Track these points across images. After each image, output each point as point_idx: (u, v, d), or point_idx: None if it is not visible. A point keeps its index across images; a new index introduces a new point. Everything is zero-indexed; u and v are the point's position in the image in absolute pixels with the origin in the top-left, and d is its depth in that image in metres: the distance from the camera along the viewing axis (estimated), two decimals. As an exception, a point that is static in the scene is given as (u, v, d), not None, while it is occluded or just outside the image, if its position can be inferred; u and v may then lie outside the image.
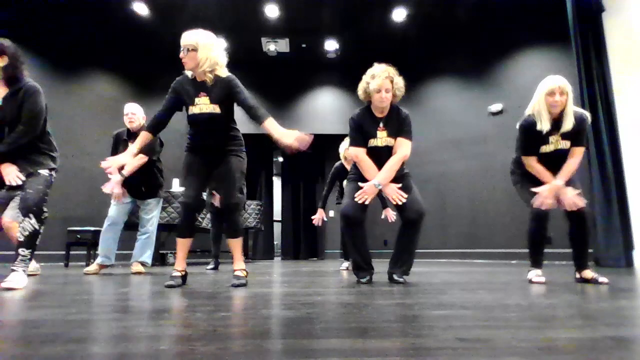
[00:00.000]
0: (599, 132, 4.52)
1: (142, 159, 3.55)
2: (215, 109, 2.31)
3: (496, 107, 6.34)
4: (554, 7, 5.45)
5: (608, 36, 4.68)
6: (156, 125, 2.42)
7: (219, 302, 1.65)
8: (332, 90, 8.34)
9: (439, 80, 7.33)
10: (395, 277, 2.45)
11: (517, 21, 6.25)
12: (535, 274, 2.48)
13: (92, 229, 4.97)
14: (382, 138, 2.51)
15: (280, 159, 11.00)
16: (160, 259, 5.34)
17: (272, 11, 6.50)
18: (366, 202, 2.42)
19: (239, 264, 2.45)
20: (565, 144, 2.43)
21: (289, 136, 2.11)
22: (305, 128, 8.23)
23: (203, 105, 2.32)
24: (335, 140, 8.85)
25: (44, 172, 2.40)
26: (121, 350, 0.87)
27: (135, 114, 3.78)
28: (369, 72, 2.51)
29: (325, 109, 8.25)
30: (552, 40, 5.81)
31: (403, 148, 2.49)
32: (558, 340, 0.94)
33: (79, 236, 5.09)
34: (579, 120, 2.41)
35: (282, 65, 7.97)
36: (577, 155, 2.42)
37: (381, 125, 2.52)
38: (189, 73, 2.37)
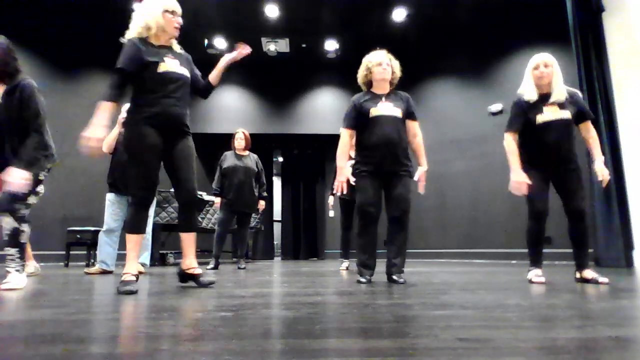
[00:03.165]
0: (599, 132, 4.50)
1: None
2: (186, 72, 2.22)
3: (496, 107, 6.34)
4: (554, 7, 5.45)
5: (608, 36, 4.68)
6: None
7: (218, 302, 1.65)
8: (332, 90, 8.33)
9: (439, 80, 7.33)
10: (394, 277, 2.45)
11: (517, 21, 6.25)
12: (535, 274, 2.48)
13: (92, 229, 4.97)
14: (384, 108, 2.54)
15: (280, 159, 10.99)
16: (160, 259, 5.34)
17: (272, 11, 6.49)
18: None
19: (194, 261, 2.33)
20: (565, 114, 2.45)
21: (225, 58, 2.29)
22: (306, 128, 8.24)
23: (174, 65, 2.17)
24: (335, 140, 8.85)
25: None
26: (121, 350, 0.87)
27: None
28: (366, 57, 2.72)
29: (325, 109, 8.25)
30: (552, 40, 5.81)
31: (414, 130, 2.62)
32: (558, 340, 0.94)
33: (79, 236, 5.09)
34: (572, 93, 2.53)
35: (282, 65, 7.97)
36: (592, 129, 2.51)
37: (383, 99, 2.58)
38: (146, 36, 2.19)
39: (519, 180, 2.42)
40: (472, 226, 6.50)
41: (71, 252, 5.16)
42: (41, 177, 2.42)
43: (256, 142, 9.14)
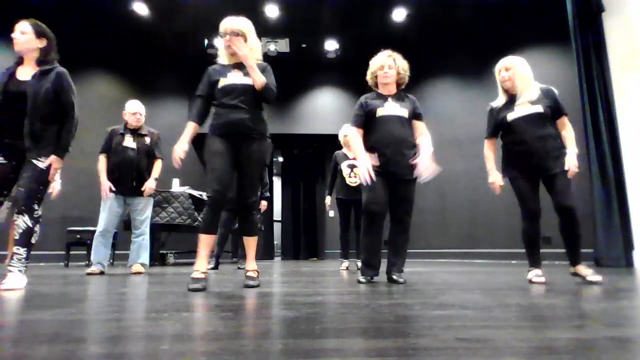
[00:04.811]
0: (599, 132, 4.52)
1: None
2: (247, 81, 2.33)
3: (496, 107, 6.34)
4: (554, 7, 5.45)
5: (608, 36, 4.68)
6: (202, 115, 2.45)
7: (218, 302, 1.65)
8: (332, 90, 8.34)
9: (439, 80, 7.34)
10: (394, 277, 2.47)
11: (517, 21, 6.25)
12: (535, 274, 2.48)
13: (92, 229, 4.96)
14: (390, 108, 2.56)
15: (280, 159, 11.00)
16: (160, 259, 5.34)
17: (272, 11, 6.50)
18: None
19: (252, 264, 2.40)
20: (537, 108, 2.50)
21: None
22: (305, 128, 8.25)
23: (237, 77, 2.36)
24: (335, 140, 8.87)
25: (40, 163, 2.31)
26: (121, 350, 0.87)
27: (142, 114, 3.82)
28: (372, 59, 2.73)
29: (325, 109, 8.25)
30: (552, 40, 5.82)
31: (421, 129, 2.63)
32: (558, 340, 0.94)
33: (78, 236, 5.09)
34: (546, 90, 2.56)
35: (282, 65, 7.95)
36: (567, 124, 2.52)
37: (389, 100, 2.61)
38: (222, 60, 2.49)
39: (492, 181, 2.66)
40: (472, 226, 6.50)
41: (71, 252, 5.17)
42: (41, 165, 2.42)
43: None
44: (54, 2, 6.09)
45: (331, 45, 7.42)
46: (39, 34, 2.44)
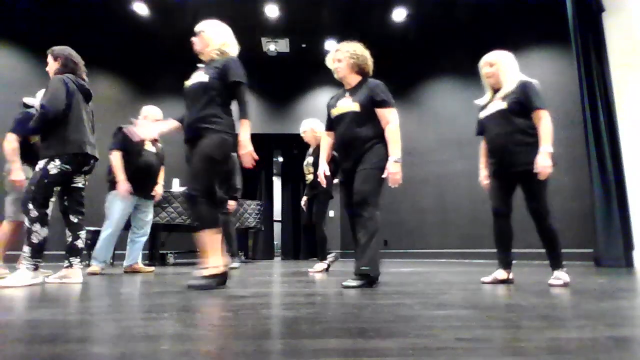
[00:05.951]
0: (599, 132, 4.51)
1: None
2: (202, 79, 2.25)
3: (496, 107, 6.35)
4: (554, 7, 5.45)
5: (608, 36, 4.68)
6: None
7: (218, 302, 1.65)
8: (332, 91, 8.29)
9: (438, 80, 7.33)
10: (344, 283, 2.22)
11: (517, 21, 6.25)
12: (493, 275, 2.42)
13: (92, 228, 4.97)
14: (341, 106, 2.48)
15: (280, 159, 10.99)
16: (160, 259, 5.34)
17: (272, 11, 6.49)
18: (399, 181, 2.31)
19: (211, 261, 2.16)
20: (502, 105, 2.43)
21: (245, 148, 2.23)
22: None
23: (196, 77, 2.31)
24: (335, 140, 8.88)
25: (40, 163, 2.44)
26: (121, 350, 0.87)
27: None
28: None
29: (325, 109, 8.25)
30: (552, 40, 5.81)
31: (385, 118, 2.38)
32: (558, 340, 0.94)
33: (79, 236, 5.07)
34: (522, 84, 2.44)
35: (282, 65, 7.98)
36: (541, 119, 2.34)
37: (347, 95, 2.50)
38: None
39: (480, 179, 2.65)
40: (472, 226, 6.49)
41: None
42: (52, 169, 2.44)
43: (256, 142, 9.16)
44: (54, 2, 6.08)
45: (331, 45, 7.41)
46: (55, 57, 2.77)
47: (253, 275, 3.45)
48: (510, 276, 2.43)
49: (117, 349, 0.87)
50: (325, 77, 8.44)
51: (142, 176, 3.69)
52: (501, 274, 2.42)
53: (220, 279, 2.19)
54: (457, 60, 7.05)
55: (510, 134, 2.38)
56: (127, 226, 3.97)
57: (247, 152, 2.23)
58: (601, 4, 4.70)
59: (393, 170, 2.27)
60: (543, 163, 2.24)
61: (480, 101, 2.68)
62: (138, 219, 3.81)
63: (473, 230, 6.48)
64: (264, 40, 7.14)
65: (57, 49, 2.80)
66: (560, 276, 2.27)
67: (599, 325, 1.11)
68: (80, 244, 2.62)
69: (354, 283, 2.18)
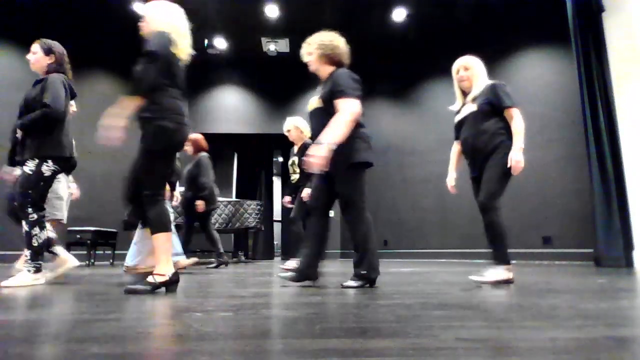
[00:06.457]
0: (599, 132, 4.51)
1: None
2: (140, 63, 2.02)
3: (496, 107, 6.35)
4: (554, 7, 5.45)
5: (608, 36, 4.68)
6: None
7: (218, 302, 1.65)
8: (332, 90, 8.34)
9: (438, 80, 7.34)
10: (344, 283, 2.22)
11: (517, 21, 6.25)
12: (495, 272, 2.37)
13: (92, 228, 4.97)
14: (311, 102, 2.43)
15: (280, 159, 11.00)
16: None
17: (272, 11, 6.50)
18: (322, 168, 2.06)
19: (159, 267, 1.95)
20: (473, 107, 2.45)
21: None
22: (305, 127, 8.24)
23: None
24: (335, 140, 8.86)
25: (26, 167, 2.38)
26: (121, 350, 0.87)
27: None
28: None
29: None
30: (552, 40, 5.81)
31: (342, 106, 2.16)
32: (558, 340, 0.94)
33: (79, 236, 5.09)
34: (491, 85, 2.44)
35: (282, 65, 7.98)
36: (513, 117, 2.35)
37: (320, 89, 2.40)
38: None
39: (446, 182, 2.72)
40: (472, 226, 6.49)
41: (71, 252, 5.16)
42: (45, 171, 2.41)
43: (256, 142, 9.17)
44: (53, 2, 6.08)
45: (331, 45, 7.42)
46: (47, 52, 2.56)
47: (253, 275, 3.45)
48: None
49: (117, 349, 0.87)
50: (325, 77, 8.49)
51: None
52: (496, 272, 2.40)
53: (169, 286, 1.96)
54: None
55: (480, 135, 2.40)
56: (127, 227, 3.97)
57: None
58: (601, 4, 4.70)
59: (313, 152, 2.02)
60: (516, 158, 2.25)
61: (455, 107, 2.68)
62: None
63: (473, 230, 6.48)
64: (264, 40, 7.14)
65: (49, 42, 2.59)
66: (492, 273, 2.26)
67: (599, 325, 1.11)
68: (49, 234, 2.59)
69: (354, 284, 2.17)
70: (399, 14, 6.63)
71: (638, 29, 4.51)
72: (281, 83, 8.23)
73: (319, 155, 2.00)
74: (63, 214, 3.56)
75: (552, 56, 5.80)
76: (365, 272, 2.18)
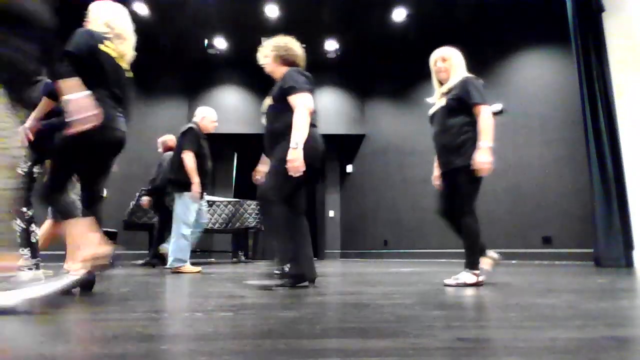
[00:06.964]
0: (599, 132, 4.51)
1: None
2: None
3: (496, 107, 6.34)
4: (554, 7, 5.45)
5: (608, 36, 4.68)
6: None
7: (218, 302, 1.65)
8: (332, 90, 8.33)
9: (438, 80, 7.35)
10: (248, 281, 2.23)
11: (517, 21, 6.25)
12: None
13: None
14: (264, 102, 2.43)
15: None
16: (160, 259, 5.33)
17: (272, 11, 6.49)
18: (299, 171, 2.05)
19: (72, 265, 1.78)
20: (442, 102, 2.42)
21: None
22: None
23: None
24: (334, 140, 8.87)
25: (23, 165, 2.34)
26: (121, 350, 0.87)
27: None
28: None
29: (325, 109, 8.25)
30: (552, 40, 5.81)
31: (295, 102, 2.16)
32: (558, 340, 0.94)
33: (78, 236, 5.08)
34: (463, 80, 2.40)
35: (282, 65, 7.98)
36: (479, 114, 2.30)
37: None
38: None
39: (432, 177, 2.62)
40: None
41: (71, 252, 5.17)
42: (35, 172, 2.49)
43: (256, 142, 9.14)
44: (54, 2, 6.08)
45: (331, 45, 7.41)
46: None
47: (253, 275, 3.45)
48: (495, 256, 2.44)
49: (117, 349, 0.87)
50: (325, 77, 8.49)
51: (207, 178, 3.78)
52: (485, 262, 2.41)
53: (84, 284, 1.86)
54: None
55: (446, 131, 2.37)
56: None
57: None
58: (601, 4, 4.70)
59: (290, 158, 2.03)
60: (480, 159, 2.21)
61: (431, 99, 2.62)
62: (199, 218, 3.90)
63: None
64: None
65: None
66: (461, 276, 2.24)
67: (599, 325, 1.11)
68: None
69: (265, 282, 2.12)
70: (399, 14, 6.63)
71: (638, 29, 4.51)
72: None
73: (297, 158, 2.02)
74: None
75: (552, 56, 5.80)
76: (280, 268, 2.14)
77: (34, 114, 2.31)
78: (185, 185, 3.57)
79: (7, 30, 1.54)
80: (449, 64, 2.50)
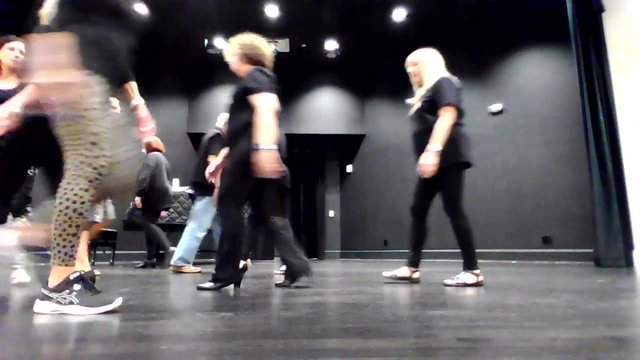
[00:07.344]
0: (599, 132, 4.51)
1: None
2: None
3: (496, 107, 6.34)
4: (554, 7, 5.45)
5: (608, 36, 4.68)
6: None
7: (218, 302, 1.65)
8: (332, 90, 8.33)
9: (439, 80, 7.35)
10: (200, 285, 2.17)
11: (517, 21, 6.25)
12: (398, 271, 2.45)
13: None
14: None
15: (280, 159, 11.00)
16: (160, 259, 5.34)
17: (272, 11, 6.50)
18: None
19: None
20: (419, 104, 2.46)
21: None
22: (305, 128, 8.25)
23: None
24: (335, 140, 8.88)
25: None
26: (121, 350, 0.87)
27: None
28: None
29: (325, 109, 8.25)
30: (552, 40, 5.81)
31: (257, 102, 2.09)
32: (558, 340, 0.94)
33: (78, 236, 5.09)
34: (438, 81, 2.41)
35: (282, 65, 7.97)
36: (440, 115, 2.31)
37: None
38: None
39: None
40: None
41: (71, 252, 5.17)
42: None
43: (256, 142, 9.13)
44: (54, 2, 6.09)
45: (331, 45, 7.41)
46: None
47: (253, 275, 3.44)
48: (415, 275, 2.44)
49: (117, 349, 0.87)
50: (325, 77, 8.50)
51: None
52: (404, 271, 2.44)
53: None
54: (457, 60, 7.05)
55: (421, 134, 2.39)
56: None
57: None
58: (601, 4, 4.70)
59: (263, 160, 1.95)
60: (422, 161, 2.25)
61: (411, 100, 2.63)
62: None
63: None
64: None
65: None
66: (461, 276, 2.26)
67: (599, 325, 1.11)
68: None
69: (207, 285, 2.09)
70: (399, 14, 6.63)
71: (638, 29, 4.51)
72: (281, 83, 8.20)
73: (270, 159, 1.97)
74: (100, 216, 3.69)
75: (552, 56, 5.80)
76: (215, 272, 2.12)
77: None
78: (209, 189, 3.59)
79: (108, 23, 1.61)
80: (418, 68, 2.56)
